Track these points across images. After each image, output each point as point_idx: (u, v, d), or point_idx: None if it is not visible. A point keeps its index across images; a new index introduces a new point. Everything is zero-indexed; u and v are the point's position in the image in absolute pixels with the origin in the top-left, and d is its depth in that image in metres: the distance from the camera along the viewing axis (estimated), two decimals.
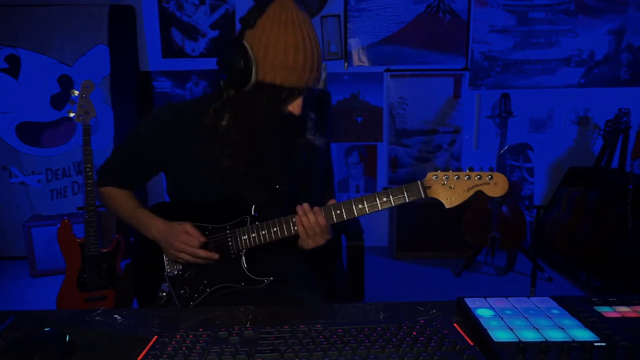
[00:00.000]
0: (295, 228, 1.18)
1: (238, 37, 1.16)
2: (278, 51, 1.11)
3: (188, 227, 1.21)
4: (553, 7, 3.46)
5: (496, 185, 1.09)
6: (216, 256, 1.22)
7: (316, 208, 1.16)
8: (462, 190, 1.10)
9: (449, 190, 1.10)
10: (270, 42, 1.11)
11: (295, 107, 1.18)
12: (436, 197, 1.11)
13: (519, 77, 3.55)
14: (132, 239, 1.46)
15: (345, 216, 1.15)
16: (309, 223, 1.15)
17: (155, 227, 1.25)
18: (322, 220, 1.15)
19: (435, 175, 1.10)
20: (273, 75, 1.13)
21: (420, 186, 1.11)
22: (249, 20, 1.14)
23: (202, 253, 1.21)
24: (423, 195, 1.11)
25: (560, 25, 3.48)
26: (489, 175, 1.09)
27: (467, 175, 1.09)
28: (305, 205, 1.16)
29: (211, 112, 1.23)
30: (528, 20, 3.47)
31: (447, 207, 1.11)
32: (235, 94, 1.19)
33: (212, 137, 1.22)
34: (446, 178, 1.10)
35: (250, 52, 1.12)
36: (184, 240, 1.20)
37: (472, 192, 1.10)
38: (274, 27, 1.11)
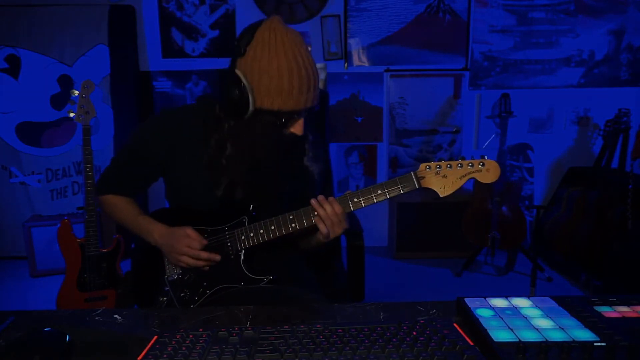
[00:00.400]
0: (293, 225, 1.18)
1: (231, 66, 1.16)
2: (272, 77, 1.10)
3: (189, 230, 1.21)
4: (553, 7, 3.46)
5: (488, 172, 1.10)
6: (218, 257, 1.22)
7: (330, 198, 1.16)
8: (455, 178, 1.11)
9: (442, 179, 1.11)
10: (262, 69, 1.11)
11: (297, 128, 1.19)
12: (430, 187, 1.12)
13: (519, 77, 3.55)
14: (132, 245, 1.46)
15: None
16: (326, 213, 1.14)
17: (157, 232, 1.25)
18: (338, 208, 1.15)
19: (428, 165, 1.12)
20: (270, 102, 1.13)
21: (413, 177, 1.12)
22: (240, 48, 1.13)
23: (204, 255, 1.21)
24: (417, 186, 1.12)
25: (560, 25, 3.48)
26: (481, 162, 1.10)
27: (459, 163, 1.11)
28: (320, 197, 1.16)
29: (212, 143, 1.23)
30: (528, 20, 3.47)
31: (441, 196, 1.12)
32: (235, 122, 1.19)
33: (215, 166, 1.23)
34: (439, 168, 1.11)
35: (244, 81, 1.12)
36: (186, 244, 1.20)
37: (465, 179, 1.11)
38: (264, 52, 1.11)
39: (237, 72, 1.13)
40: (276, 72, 1.10)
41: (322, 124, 1.81)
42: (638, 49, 3.51)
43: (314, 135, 1.33)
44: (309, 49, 1.22)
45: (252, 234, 1.22)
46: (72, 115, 2.31)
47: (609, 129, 3.10)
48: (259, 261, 1.27)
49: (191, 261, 1.21)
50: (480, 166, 1.10)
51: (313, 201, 1.16)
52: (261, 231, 1.21)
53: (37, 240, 3.17)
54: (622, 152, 3.07)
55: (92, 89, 2.34)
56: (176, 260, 1.23)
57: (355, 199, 1.15)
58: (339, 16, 3.46)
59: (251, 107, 1.14)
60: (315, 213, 1.16)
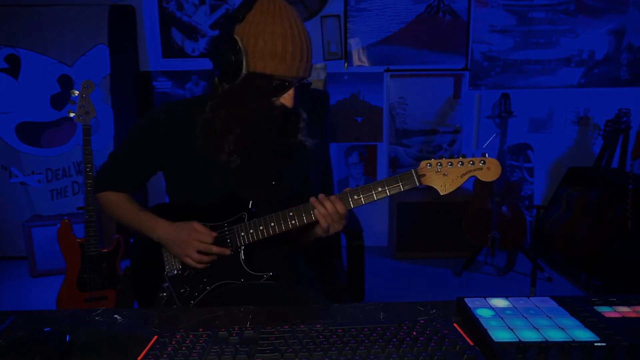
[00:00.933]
0: (293, 222, 1.18)
1: (228, 31, 1.17)
2: (266, 40, 1.13)
3: (196, 225, 1.21)
4: (553, 7, 3.46)
5: (489, 170, 1.10)
6: (228, 251, 1.22)
7: (332, 197, 1.16)
8: (455, 176, 1.11)
9: (443, 177, 1.11)
10: (258, 33, 1.14)
11: (287, 99, 1.19)
12: (430, 184, 1.12)
13: (519, 77, 3.55)
14: (131, 240, 1.46)
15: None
16: (327, 211, 1.15)
17: (161, 228, 1.25)
18: (340, 207, 1.15)
19: (429, 163, 1.12)
20: (263, 65, 1.15)
21: (414, 174, 1.12)
22: (238, 15, 1.16)
23: (215, 249, 1.21)
24: (417, 183, 1.12)
25: (560, 25, 3.48)
26: (482, 160, 1.10)
27: (460, 161, 1.11)
28: (320, 195, 1.17)
29: (207, 109, 1.23)
30: (528, 20, 3.47)
31: (441, 193, 1.12)
32: (229, 87, 1.20)
33: (208, 132, 1.23)
34: (439, 165, 1.11)
35: (240, 44, 1.14)
36: (196, 237, 1.20)
37: (465, 177, 1.11)
38: (262, 18, 1.14)
39: (235, 36, 1.15)
40: (271, 36, 1.13)
41: (323, 123, 1.81)
42: (638, 49, 3.51)
43: (315, 134, 1.33)
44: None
45: (251, 231, 1.22)
46: (72, 115, 2.31)
47: (609, 129, 3.10)
48: (259, 258, 1.27)
49: (202, 257, 1.21)
50: (481, 164, 1.10)
51: (313, 199, 1.17)
52: (261, 227, 1.21)
53: (37, 240, 3.17)
54: (622, 152, 3.07)
55: (92, 89, 2.35)
56: (185, 255, 1.22)
57: (356, 196, 1.15)
58: (339, 16, 3.46)
59: (244, 70, 1.16)
60: (315, 210, 1.17)
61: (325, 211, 1.15)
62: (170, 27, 3.49)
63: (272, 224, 1.20)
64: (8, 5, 3.33)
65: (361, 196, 1.15)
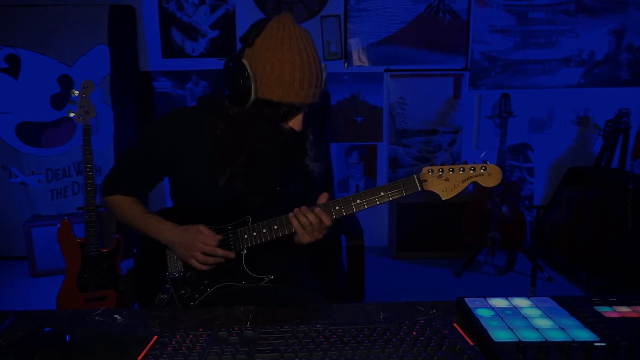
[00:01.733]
0: None
1: (238, 55, 1.17)
2: (274, 67, 1.12)
3: (202, 228, 1.22)
4: (553, 7, 3.46)
5: (490, 176, 1.11)
6: (232, 254, 1.23)
7: (317, 209, 1.16)
8: (457, 182, 1.12)
9: (444, 182, 1.12)
10: (267, 59, 1.12)
11: (295, 123, 1.19)
12: (432, 190, 1.13)
13: (519, 77, 3.55)
14: (134, 250, 1.47)
15: (344, 212, 1.17)
16: (307, 221, 1.15)
17: (168, 231, 1.26)
18: (326, 219, 1.16)
19: (431, 169, 1.13)
20: (270, 92, 1.14)
21: (416, 180, 1.13)
22: (248, 39, 1.15)
23: (220, 252, 1.21)
24: (419, 189, 1.13)
25: (560, 25, 3.48)
26: (483, 166, 1.12)
27: (462, 167, 1.12)
28: (303, 208, 1.17)
29: (218, 132, 1.24)
30: (528, 20, 3.47)
31: (443, 199, 1.13)
32: (238, 111, 1.21)
33: (215, 154, 1.24)
34: (441, 172, 1.13)
35: (249, 70, 1.13)
36: (202, 240, 1.20)
37: (467, 183, 1.12)
38: (271, 43, 1.13)
39: (244, 61, 1.14)
40: (279, 63, 1.12)
41: (324, 123, 1.81)
42: (638, 49, 3.51)
43: (316, 134, 1.33)
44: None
45: (254, 234, 1.22)
46: (72, 115, 2.31)
47: (609, 129, 3.10)
48: (261, 261, 1.28)
49: (207, 258, 1.21)
50: (482, 170, 1.11)
51: (296, 210, 1.17)
52: (264, 231, 1.21)
53: (37, 240, 3.17)
54: (622, 152, 3.07)
55: (92, 89, 2.34)
56: (190, 257, 1.22)
57: (359, 201, 1.15)
58: (339, 16, 3.46)
59: (252, 96, 1.15)
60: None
61: (305, 221, 1.15)
62: (170, 27, 3.49)
63: (275, 227, 1.20)
64: (8, 5, 3.33)
65: (364, 201, 1.15)
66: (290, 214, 1.17)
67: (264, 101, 1.15)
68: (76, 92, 2.32)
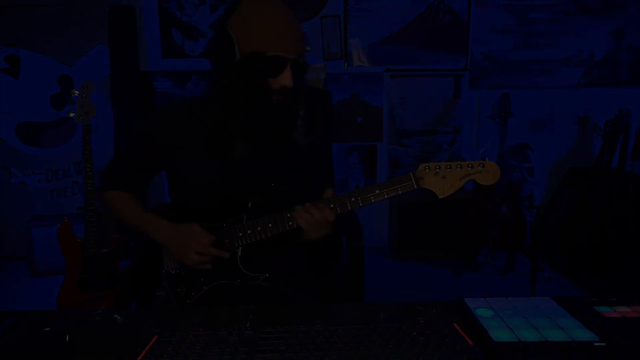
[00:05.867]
0: (290, 223, 1.18)
1: (221, 25, 1.20)
2: (255, 22, 1.15)
3: (195, 227, 1.22)
4: (553, 7, 3.46)
5: (488, 173, 1.10)
6: (226, 254, 1.22)
7: (319, 203, 1.16)
8: (454, 180, 1.11)
9: (441, 180, 1.11)
10: (251, 15, 1.16)
11: (285, 78, 1.18)
12: (429, 187, 1.12)
13: (518, 77, 3.55)
14: (131, 243, 1.47)
15: (338, 210, 1.16)
16: (312, 219, 1.15)
17: (163, 230, 1.26)
18: (329, 214, 1.15)
19: (428, 166, 1.11)
20: (254, 44, 1.15)
21: (412, 177, 1.12)
22: (229, 10, 1.20)
23: (214, 251, 1.21)
24: (415, 186, 1.12)
25: (560, 25, 3.48)
26: (481, 164, 1.10)
27: (459, 165, 1.11)
28: (307, 204, 1.17)
29: (210, 104, 1.25)
30: (528, 20, 3.47)
31: (439, 197, 1.12)
32: (227, 75, 1.21)
33: (212, 125, 1.24)
34: (438, 169, 1.11)
35: (230, 32, 1.17)
36: (195, 240, 1.20)
37: (464, 181, 1.11)
38: (248, 6, 1.17)
39: (226, 28, 1.18)
40: (258, 17, 1.15)
41: (325, 123, 1.81)
42: (638, 49, 3.51)
43: (316, 134, 1.33)
44: (309, 48, 1.24)
45: (249, 231, 1.22)
46: (72, 115, 2.31)
47: (609, 129, 3.10)
48: (256, 259, 1.27)
49: (200, 258, 1.21)
50: (480, 167, 1.10)
51: (298, 207, 1.17)
52: (258, 228, 1.21)
53: (37, 240, 3.17)
54: (622, 152, 3.07)
55: (92, 89, 2.34)
56: (184, 256, 1.22)
57: (353, 199, 1.15)
58: (339, 16, 3.46)
59: (238, 55, 1.16)
60: (289, 215, 1.18)
61: (310, 218, 1.15)
62: (171, 27, 3.49)
63: (270, 225, 1.20)
64: (8, 6, 3.33)
65: (359, 198, 1.15)
66: (295, 212, 1.16)
67: (249, 58, 1.16)
68: (76, 92, 2.32)
